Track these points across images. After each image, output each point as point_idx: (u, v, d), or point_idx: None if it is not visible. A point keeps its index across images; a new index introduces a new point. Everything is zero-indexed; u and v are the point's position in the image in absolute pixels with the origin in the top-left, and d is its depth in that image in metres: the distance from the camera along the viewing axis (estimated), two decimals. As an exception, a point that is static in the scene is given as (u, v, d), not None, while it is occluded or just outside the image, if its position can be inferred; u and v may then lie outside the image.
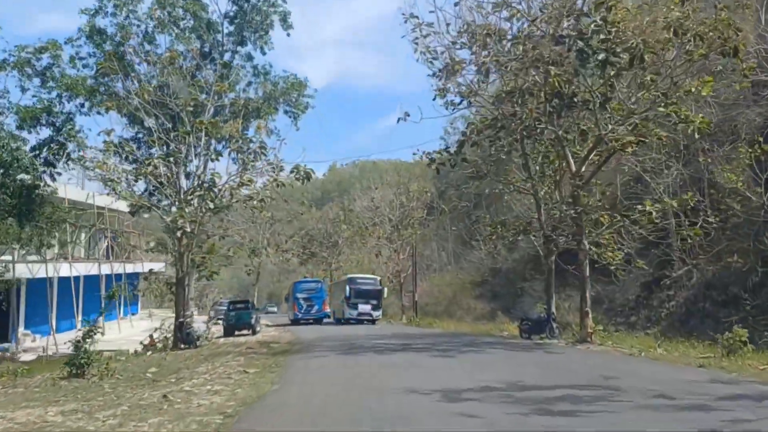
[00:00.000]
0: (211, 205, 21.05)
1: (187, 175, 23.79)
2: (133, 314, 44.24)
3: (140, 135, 25.20)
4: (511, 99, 17.12)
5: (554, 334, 22.22)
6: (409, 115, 19.92)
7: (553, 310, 23.94)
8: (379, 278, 40.77)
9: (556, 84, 15.16)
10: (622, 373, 11.21)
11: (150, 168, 19.65)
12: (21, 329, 33.63)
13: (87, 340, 14.30)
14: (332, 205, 71.71)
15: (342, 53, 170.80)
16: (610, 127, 16.08)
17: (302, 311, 38.67)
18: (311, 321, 38.60)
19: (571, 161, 19.00)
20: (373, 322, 37.07)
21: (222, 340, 29.15)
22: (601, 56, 15.20)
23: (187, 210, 19.84)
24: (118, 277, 40.22)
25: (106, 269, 37.43)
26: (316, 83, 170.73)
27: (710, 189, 24.90)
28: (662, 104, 16.29)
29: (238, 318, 31.78)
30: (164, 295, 59.90)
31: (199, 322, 32.82)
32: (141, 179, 22.21)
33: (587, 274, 19.21)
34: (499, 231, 24.97)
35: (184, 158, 21.36)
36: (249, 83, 28.04)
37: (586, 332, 18.72)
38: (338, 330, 30.67)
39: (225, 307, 39.40)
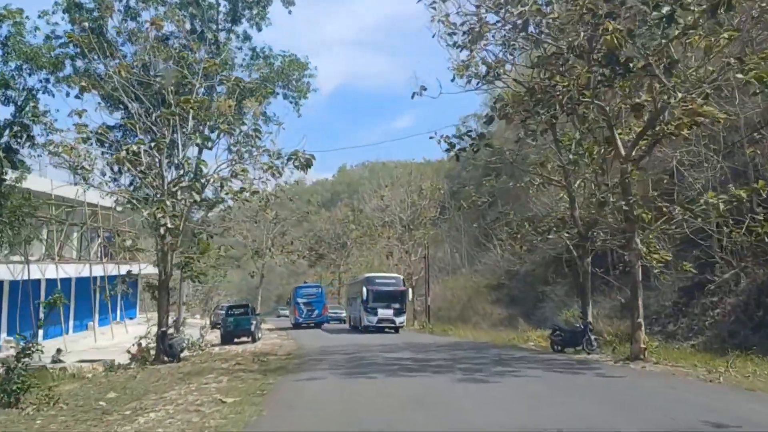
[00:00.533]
0: (197, 197, 17.86)
1: (177, 166, 20.62)
2: (131, 318, 41.21)
3: (124, 121, 22.09)
4: (554, 63, 13.81)
5: (592, 348, 18.90)
6: (425, 89, 16.74)
7: (590, 318, 20.61)
8: (401, 277, 35.63)
9: (614, 41, 11.84)
10: (727, 416, 7.93)
11: (124, 153, 16.50)
12: (3, 336, 30.69)
13: (23, 360, 11.10)
14: (341, 205, 68.53)
15: (349, 55, 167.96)
16: (679, 95, 12.70)
17: (303, 316, 38.78)
18: (312, 325, 38.47)
19: (620, 143, 15.68)
20: (396, 330, 32.26)
21: (217, 349, 26.04)
22: (665, 9, 11.94)
23: (168, 203, 16.67)
24: (112, 279, 37.33)
25: (99, 271, 34.46)
26: (324, 86, 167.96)
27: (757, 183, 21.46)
28: (739, 70, 12.95)
29: (236, 324, 28.66)
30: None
31: (196, 328, 29.76)
32: (121, 168, 19.08)
33: (639, 278, 15.86)
34: (526, 229, 21.60)
35: (167, 144, 18.22)
36: (246, 66, 24.94)
37: (638, 347, 15.37)
38: (347, 338, 27.43)
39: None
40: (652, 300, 30.45)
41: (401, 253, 41.79)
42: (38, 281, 30.51)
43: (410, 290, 33.56)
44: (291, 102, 26.32)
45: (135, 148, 17.04)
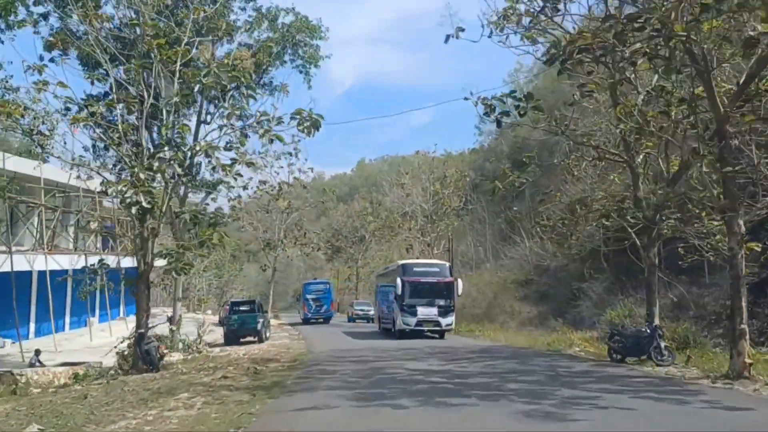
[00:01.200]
0: (179, 171, 14.29)
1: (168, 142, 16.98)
2: (126, 317, 37.96)
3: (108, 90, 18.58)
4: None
5: (663, 358, 15.03)
6: (463, 30, 12.99)
7: (656, 321, 16.68)
8: (447, 264, 27.94)
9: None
10: None
11: (85, 114, 12.99)
12: (-19, 334, 27.60)
13: None
14: (358, 197, 64.94)
15: (369, 51, 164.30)
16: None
17: (311, 311, 38.98)
18: (321, 320, 38.54)
19: (716, 97, 11.75)
20: (441, 335, 25.23)
21: (218, 350, 22.57)
22: None
23: (142, 176, 13.12)
24: (113, 273, 34.07)
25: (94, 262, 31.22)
26: (344, 82, 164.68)
27: None
28: None
29: (241, 323, 25.16)
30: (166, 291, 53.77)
31: (193, 326, 26.36)
32: (96, 142, 15.58)
33: (742, 271, 11.94)
34: (577, 214, 17.68)
35: (145, 106, 14.66)
36: (250, 28, 21.29)
37: (742, 362, 11.48)
38: (366, 342, 23.71)
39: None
40: (707, 299, 26.30)
41: (422, 245, 38.02)
42: (29, 273, 27.39)
43: (459, 282, 25.47)
44: (301, 71, 22.66)
45: (97, 108, 13.47)
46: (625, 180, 19.55)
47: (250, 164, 13.90)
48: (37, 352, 20.63)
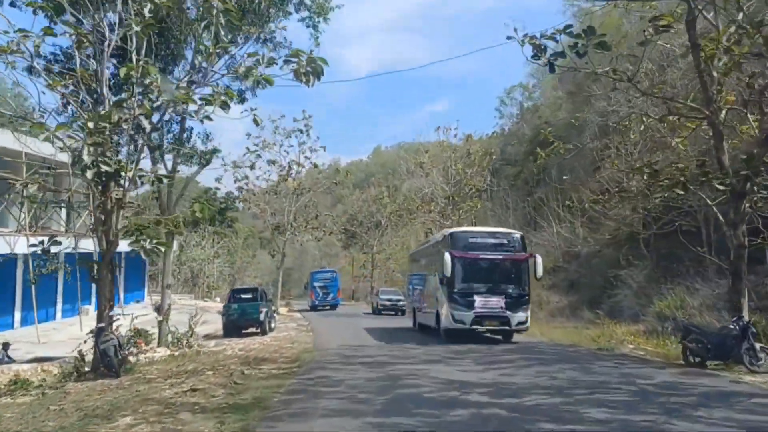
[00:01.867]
0: (145, 123, 10.97)
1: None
2: (138, 302, 35.10)
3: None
4: None
5: (760, 363, 11.60)
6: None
7: (746, 316, 13.15)
8: (518, 234, 19.40)
9: None
10: None
11: (16, 44, 9.72)
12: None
13: None
14: (374, 181, 61.58)
15: (387, 39, 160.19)
16: None
17: (318, 298, 38.96)
18: (327, 307, 38.56)
19: None
20: (509, 335, 18.12)
21: (213, 344, 19.46)
22: None
23: (90, 125, 9.86)
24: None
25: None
26: (362, 70, 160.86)
27: None
28: None
29: (241, 312, 21.99)
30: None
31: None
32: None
33: None
34: (645, 183, 14.08)
35: (101, 42, 11.36)
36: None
37: None
38: (385, 336, 20.42)
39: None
40: (769, 288, 22.70)
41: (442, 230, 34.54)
42: (13, 258, 24.54)
43: (539, 260, 17.58)
44: (308, 26, 19.22)
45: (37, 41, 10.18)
46: (690, 145, 15.99)
47: (224, 106, 10.46)
48: (5, 346, 17.66)
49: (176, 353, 17.18)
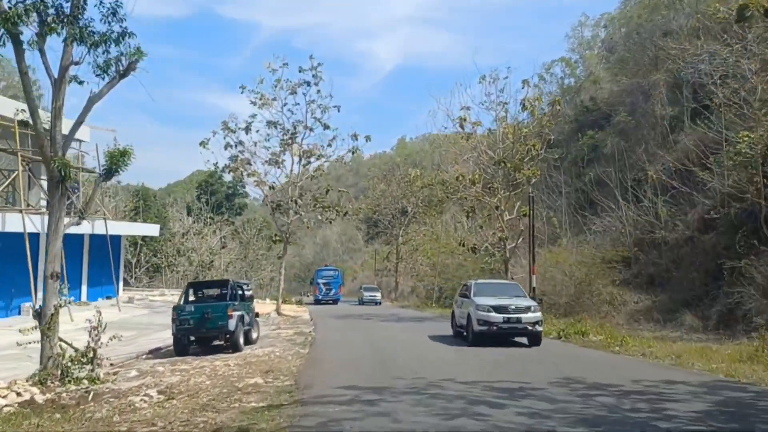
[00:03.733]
0: None
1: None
2: (108, 297, 27.16)
3: None
4: None
5: None
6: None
7: None
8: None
9: None
10: None
11: None
12: None
13: None
14: (399, 164, 53.24)
15: (413, 32, 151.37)
16: None
17: (322, 294, 40.33)
18: (330, 302, 39.47)
19: None
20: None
21: (134, 373, 11.32)
22: None
23: None
24: (74, 239, 23.39)
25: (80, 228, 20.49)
26: (388, 62, 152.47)
27: None
28: None
29: (200, 318, 13.73)
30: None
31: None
32: None
33: None
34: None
35: None
36: None
37: None
38: (408, 348, 12.07)
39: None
40: None
41: (488, 210, 25.94)
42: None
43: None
44: None
45: None
46: None
47: None
48: None
49: (47, 396, 9.04)
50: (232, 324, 13.72)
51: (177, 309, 14.00)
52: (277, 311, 26.14)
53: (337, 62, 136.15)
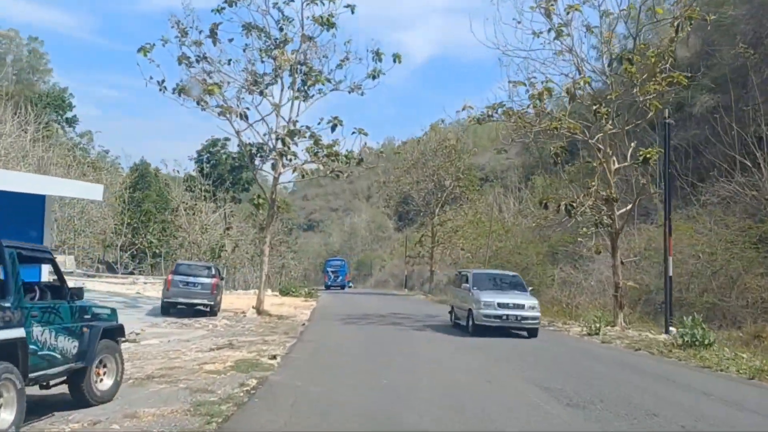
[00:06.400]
0: None
1: None
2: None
3: None
4: None
5: None
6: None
7: None
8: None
9: None
10: None
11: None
12: None
13: None
14: (431, 137, 43.02)
15: (447, 23, 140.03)
16: None
17: (331, 280, 44.40)
18: (339, 288, 43.19)
19: None
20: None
21: None
22: None
23: None
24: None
25: None
26: (421, 54, 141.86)
27: None
28: None
29: None
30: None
31: None
32: None
33: None
34: None
35: None
36: None
37: None
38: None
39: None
40: None
41: (592, 150, 15.51)
42: None
43: None
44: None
45: None
46: None
47: None
48: None
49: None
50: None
51: None
52: (257, 309, 16.37)
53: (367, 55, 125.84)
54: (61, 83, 68.81)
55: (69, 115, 52.42)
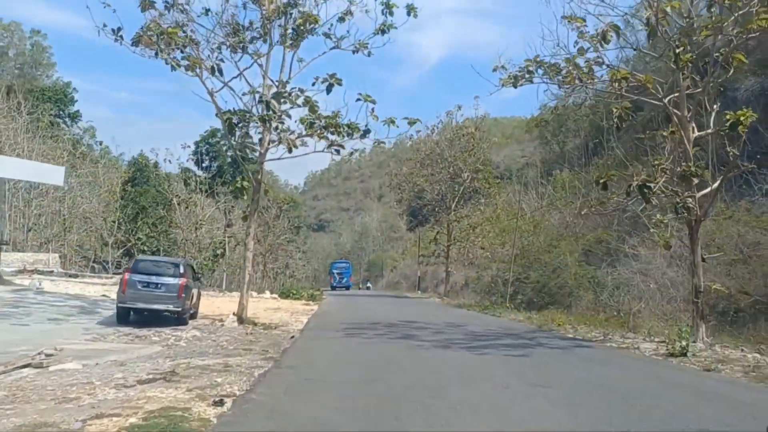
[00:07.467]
0: None
1: None
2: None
3: None
4: None
5: None
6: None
7: None
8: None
9: None
10: None
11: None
12: None
13: None
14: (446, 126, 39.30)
15: (457, 24, 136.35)
16: None
17: (336, 282, 46.81)
18: (344, 288, 45.27)
19: None
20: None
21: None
22: None
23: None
24: None
25: None
26: (435, 54, 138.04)
27: None
28: None
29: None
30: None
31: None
32: None
33: None
34: None
35: None
36: None
37: None
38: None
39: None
40: None
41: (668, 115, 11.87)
42: None
43: None
44: None
45: None
46: None
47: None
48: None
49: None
50: None
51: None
52: (239, 316, 12.86)
53: (380, 55, 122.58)
54: (64, 78, 65.99)
55: (72, 110, 49.77)
